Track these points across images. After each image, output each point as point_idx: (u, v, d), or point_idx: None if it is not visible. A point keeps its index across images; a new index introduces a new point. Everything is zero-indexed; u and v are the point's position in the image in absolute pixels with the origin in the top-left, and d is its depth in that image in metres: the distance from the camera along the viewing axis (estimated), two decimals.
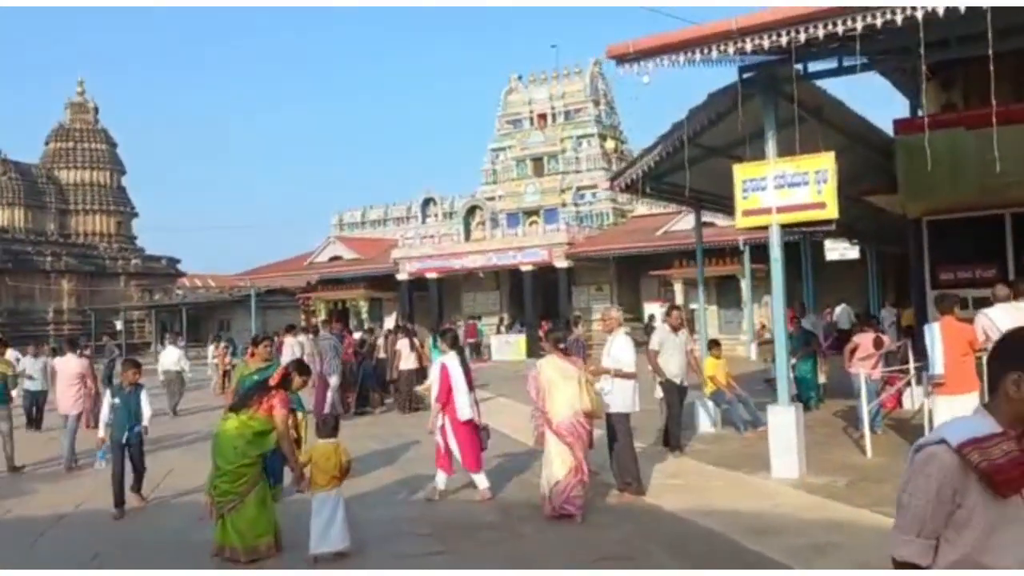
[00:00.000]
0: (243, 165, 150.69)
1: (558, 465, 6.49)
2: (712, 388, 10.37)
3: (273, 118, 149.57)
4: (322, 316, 34.92)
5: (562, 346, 7.05)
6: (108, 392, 7.36)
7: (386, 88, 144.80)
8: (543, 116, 32.94)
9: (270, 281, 38.26)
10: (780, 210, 7.32)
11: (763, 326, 26.47)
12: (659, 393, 9.36)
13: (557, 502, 6.51)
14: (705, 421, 10.59)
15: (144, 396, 7.24)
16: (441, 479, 7.43)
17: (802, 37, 6.15)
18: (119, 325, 44.61)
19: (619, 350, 7.20)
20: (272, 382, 6.04)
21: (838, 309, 24.05)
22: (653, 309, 27.73)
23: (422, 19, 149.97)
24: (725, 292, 27.87)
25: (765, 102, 7.44)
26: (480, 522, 6.65)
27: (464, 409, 7.27)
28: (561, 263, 27.39)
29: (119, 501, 7.22)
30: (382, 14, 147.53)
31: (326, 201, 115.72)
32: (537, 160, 32.28)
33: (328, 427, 6.25)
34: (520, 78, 34.21)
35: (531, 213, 31.22)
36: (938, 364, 7.36)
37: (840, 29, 6.06)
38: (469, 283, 32.40)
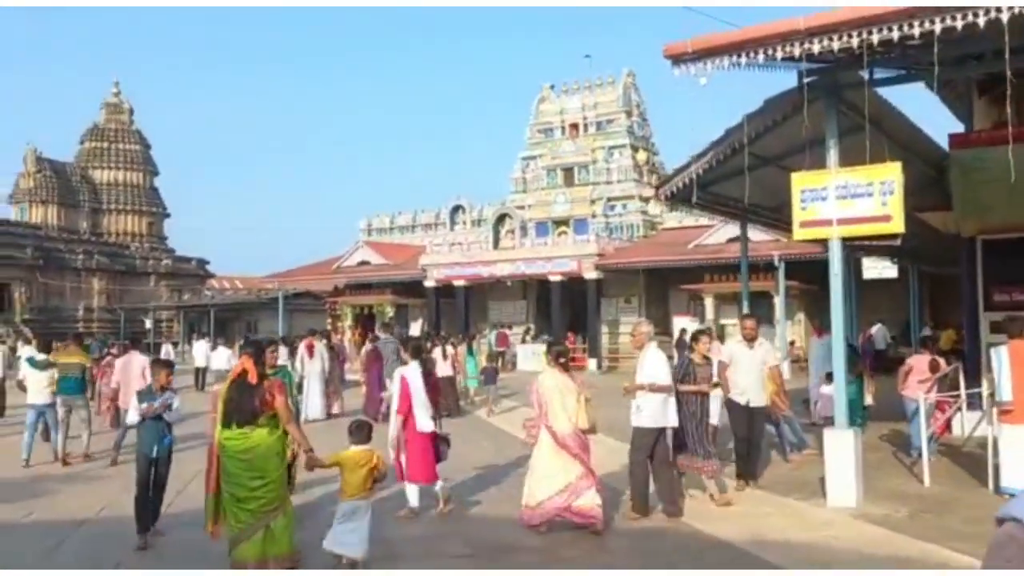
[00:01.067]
0: (273, 168, 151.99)
1: (554, 475, 6.41)
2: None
3: (303, 123, 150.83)
4: (348, 321, 34.90)
5: (562, 360, 6.85)
6: (136, 396, 6.94)
7: (417, 95, 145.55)
8: (575, 126, 32.65)
9: (298, 284, 38.25)
10: (841, 222, 6.94)
11: (793, 343, 26.00)
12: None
13: (550, 510, 6.42)
14: None
15: (176, 401, 6.89)
16: (412, 494, 7.12)
17: (875, 39, 5.78)
18: (148, 324, 44.86)
19: (651, 365, 6.96)
20: (252, 379, 5.70)
21: (874, 329, 23.46)
22: (683, 323, 27.28)
23: (454, 25, 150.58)
24: (756, 308, 27.22)
25: (828, 108, 7.07)
26: (521, 544, 6.31)
27: (423, 421, 7.08)
28: (590, 274, 27.01)
29: (144, 526, 6.41)
30: (412, 17, 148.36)
31: (355, 206, 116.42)
32: (568, 170, 31.96)
33: (361, 433, 6.00)
34: (552, 87, 33.96)
35: (560, 223, 30.88)
36: (1006, 390, 6.95)
37: (916, 31, 5.68)
38: (496, 292, 32.11)
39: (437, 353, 16.05)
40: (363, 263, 33.88)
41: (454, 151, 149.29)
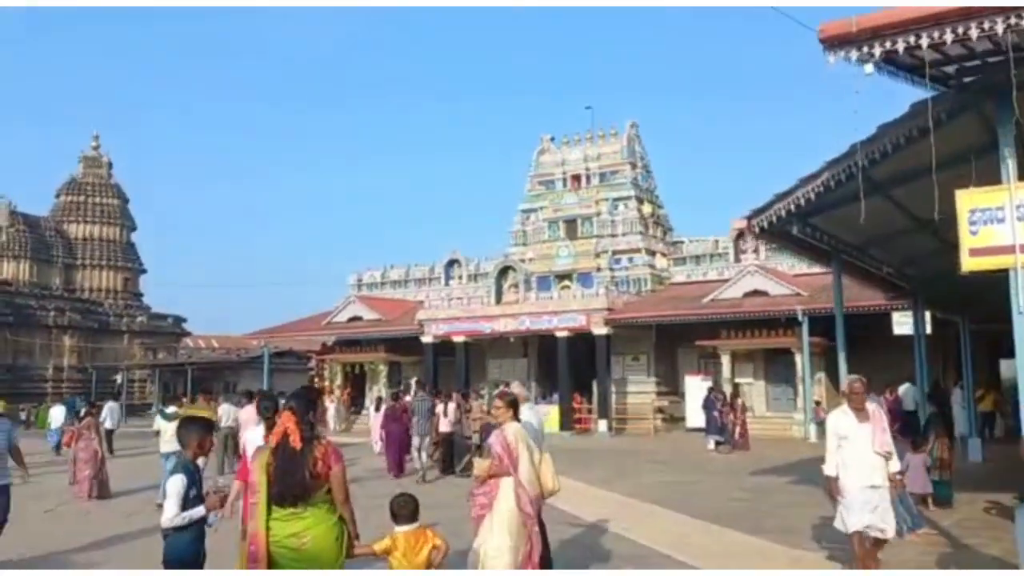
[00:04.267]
0: (257, 224, 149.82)
1: (505, 551, 5.23)
2: None
3: (286, 177, 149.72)
4: (338, 380, 33.08)
5: (515, 410, 5.68)
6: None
7: (407, 147, 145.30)
8: (576, 177, 31.63)
9: (284, 341, 36.48)
10: None
11: (818, 404, 24.60)
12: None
13: None
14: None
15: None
16: None
17: None
18: (120, 381, 42.71)
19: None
20: (296, 443, 4.22)
21: (902, 388, 22.09)
22: (695, 382, 25.88)
23: (448, 76, 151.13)
24: (774, 366, 26.01)
25: (1002, 109, 5.82)
26: None
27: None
28: (600, 329, 25.61)
29: None
30: (405, 67, 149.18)
31: (342, 261, 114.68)
32: (570, 222, 30.82)
33: (407, 511, 4.68)
34: (552, 139, 33.06)
35: (563, 277, 29.60)
36: None
37: None
38: (495, 348, 30.55)
39: (442, 409, 15.76)
40: (355, 319, 32.27)
41: (446, 205, 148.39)
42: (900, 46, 5.12)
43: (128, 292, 51.70)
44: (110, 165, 54.07)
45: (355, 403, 33.20)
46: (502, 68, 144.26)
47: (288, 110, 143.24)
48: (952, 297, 14.95)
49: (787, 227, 7.98)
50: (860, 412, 6.20)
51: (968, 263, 5.88)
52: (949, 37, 4.99)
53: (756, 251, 28.77)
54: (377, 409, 18.58)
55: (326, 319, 33.24)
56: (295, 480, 4.18)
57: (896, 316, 21.56)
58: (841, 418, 6.26)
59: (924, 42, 5.05)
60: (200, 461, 4.97)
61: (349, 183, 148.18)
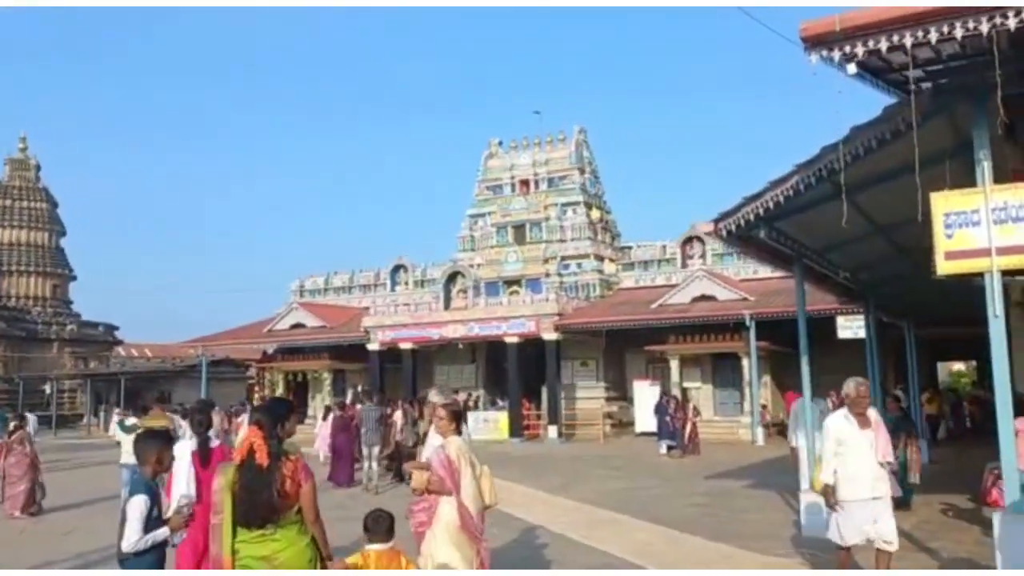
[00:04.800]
0: (195, 229, 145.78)
1: (455, 565, 4.87)
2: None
3: (225, 182, 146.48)
4: (279, 389, 32.26)
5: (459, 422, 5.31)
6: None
7: (351, 151, 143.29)
8: (525, 182, 31.49)
9: (223, 350, 35.47)
10: (1003, 251, 5.61)
11: (765, 407, 24.89)
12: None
13: None
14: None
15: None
16: None
17: None
18: (49, 392, 40.97)
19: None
20: (262, 459, 3.91)
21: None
22: (643, 387, 25.94)
23: (392, 80, 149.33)
24: (721, 371, 26.23)
25: (976, 112, 5.81)
26: None
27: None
28: (550, 335, 25.48)
29: None
30: (348, 69, 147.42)
31: (283, 268, 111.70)
32: (519, 227, 30.67)
33: (382, 528, 4.44)
34: (500, 143, 32.88)
35: (512, 282, 29.40)
36: None
37: None
38: (443, 355, 30.20)
39: (398, 416, 15.54)
40: (297, 326, 31.53)
41: (392, 209, 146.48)
42: (883, 45, 5.04)
43: (57, 299, 49.67)
44: (38, 168, 51.95)
45: (297, 412, 32.45)
46: (447, 72, 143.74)
47: (225, 112, 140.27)
48: (898, 302, 15.21)
49: (755, 231, 7.89)
50: (862, 418, 6.06)
51: (943, 266, 5.84)
52: (934, 36, 4.93)
53: (703, 256, 29.08)
54: (325, 418, 18.07)
55: (267, 327, 32.41)
56: (262, 500, 3.88)
57: (841, 320, 21.90)
58: (842, 423, 6.07)
59: (908, 41, 4.99)
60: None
61: (289, 188, 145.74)
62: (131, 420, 11.83)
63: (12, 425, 12.72)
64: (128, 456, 10.59)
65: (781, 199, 7.30)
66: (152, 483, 4.21)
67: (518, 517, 10.52)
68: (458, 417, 5.30)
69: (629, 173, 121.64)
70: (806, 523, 8.83)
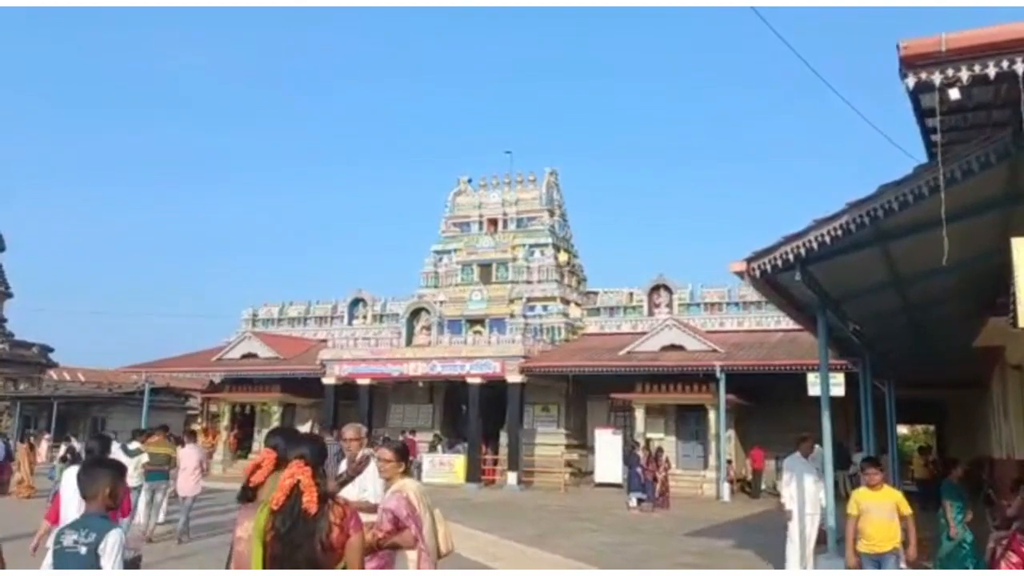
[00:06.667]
0: (140, 253, 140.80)
1: None
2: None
3: (174, 206, 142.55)
4: (224, 420, 30.81)
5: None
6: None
7: (308, 179, 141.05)
8: (493, 221, 31.00)
9: (165, 378, 33.86)
10: None
11: (730, 462, 24.40)
12: None
13: None
14: None
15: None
16: None
17: None
18: None
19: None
20: (311, 506, 3.17)
21: (816, 449, 22.19)
22: (605, 436, 25.29)
23: (354, 111, 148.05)
24: (685, 422, 25.77)
25: None
26: None
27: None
28: (514, 377, 24.76)
29: None
30: (308, 99, 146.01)
31: (234, 296, 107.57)
32: (485, 266, 30.04)
33: None
34: (470, 181, 32.42)
35: (475, 321, 28.66)
36: None
37: None
38: (399, 394, 29.19)
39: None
40: (249, 355, 30.22)
41: (349, 241, 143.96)
42: (991, 71, 4.62)
43: None
44: None
45: (242, 445, 30.99)
46: (413, 105, 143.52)
47: (175, 134, 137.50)
48: (885, 359, 14.96)
49: (789, 272, 7.42)
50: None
51: None
52: None
53: (670, 305, 28.84)
54: None
55: (216, 355, 31.01)
56: (304, 555, 3.11)
57: (810, 377, 21.69)
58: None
59: (1019, 68, 4.57)
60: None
61: (242, 214, 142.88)
62: (134, 444, 12.27)
63: None
64: (130, 479, 11.37)
65: (827, 239, 6.85)
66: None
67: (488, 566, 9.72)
68: (405, 457, 4.71)
69: (597, 218, 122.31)
70: None
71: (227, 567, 3.54)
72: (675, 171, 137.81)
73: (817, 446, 20.98)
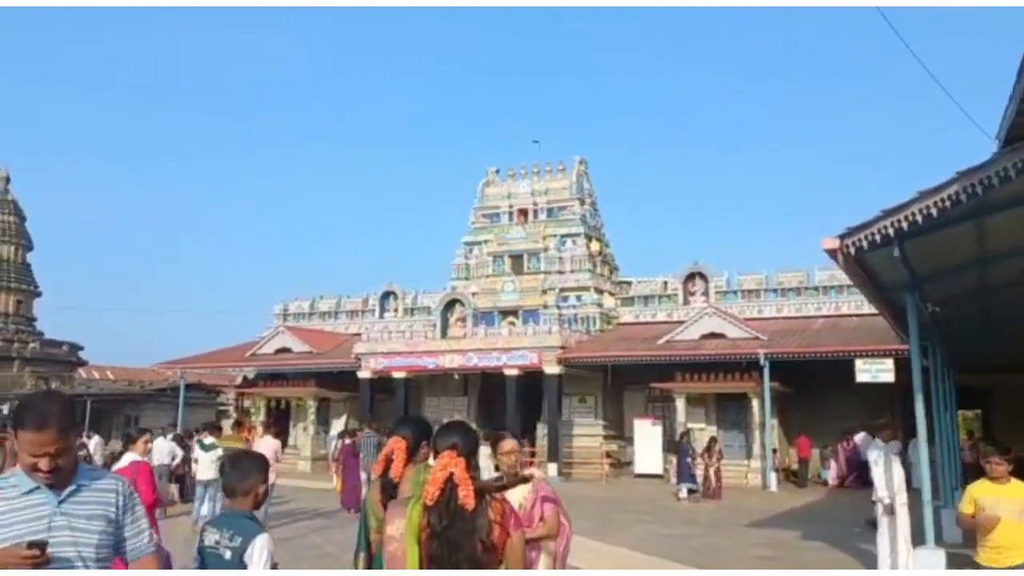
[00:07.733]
0: (166, 248, 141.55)
1: None
2: None
3: (205, 200, 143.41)
4: (260, 415, 30.70)
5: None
6: None
7: (338, 174, 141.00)
8: (523, 212, 30.64)
9: (196, 374, 33.89)
10: None
11: (775, 452, 23.92)
12: None
13: None
14: None
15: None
16: None
17: None
18: (7, 412, 38.68)
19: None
20: (468, 502, 2.87)
21: (859, 436, 21.70)
22: (644, 426, 24.94)
23: (383, 105, 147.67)
24: (726, 412, 25.32)
25: None
26: None
27: None
28: (552, 369, 24.44)
29: None
30: (338, 97, 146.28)
31: (261, 292, 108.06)
32: (516, 257, 29.70)
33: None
34: (498, 171, 32.07)
35: (508, 313, 28.37)
36: None
37: None
38: (434, 386, 28.98)
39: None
40: (283, 350, 30.11)
41: (379, 235, 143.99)
42: None
43: (20, 316, 47.39)
44: (7, 180, 49.95)
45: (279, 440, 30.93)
46: (441, 98, 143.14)
47: (214, 134, 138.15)
48: (952, 344, 14.48)
49: (886, 249, 7.04)
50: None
51: None
52: None
53: (705, 293, 28.38)
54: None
55: (250, 351, 30.94)
56: (465, 555, 2.81)
57: (859, 363, 21.16)
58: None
59: None
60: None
61: (270, 210, 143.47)
62: (209, 439, 12.74)
63: None
64: (204, 472, 12.16)
65: (934, 211, 6.46)
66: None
67: (571, 564, 9.42)
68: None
69: (628, 207, 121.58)
70: None
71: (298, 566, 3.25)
72: (700, 160, 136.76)
73: (863, 432, 20.60)
